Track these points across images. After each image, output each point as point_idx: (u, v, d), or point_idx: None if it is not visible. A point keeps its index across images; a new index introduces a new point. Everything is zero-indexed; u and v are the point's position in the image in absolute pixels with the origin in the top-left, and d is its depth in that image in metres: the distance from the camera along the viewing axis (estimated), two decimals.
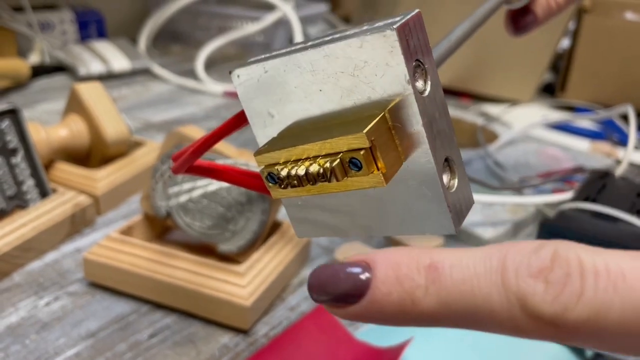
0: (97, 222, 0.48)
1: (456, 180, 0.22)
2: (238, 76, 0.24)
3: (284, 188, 0.21)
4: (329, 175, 0.20)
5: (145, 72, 0.88)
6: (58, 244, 0.45)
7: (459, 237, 0.48)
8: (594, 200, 0.39)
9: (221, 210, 0.40)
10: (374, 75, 0.20)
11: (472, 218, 0.48)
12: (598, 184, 0.42)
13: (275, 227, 0.42)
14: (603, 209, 0.37)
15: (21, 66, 0.76)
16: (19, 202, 0.44)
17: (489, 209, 0.50)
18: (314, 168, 0.20)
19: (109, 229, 0.47)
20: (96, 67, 0.83)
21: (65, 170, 0.50)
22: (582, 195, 0.40)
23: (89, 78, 0.81)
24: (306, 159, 0.21)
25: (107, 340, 0.36)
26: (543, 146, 0.65)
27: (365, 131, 0.19)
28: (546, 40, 0.77)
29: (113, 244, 0.40)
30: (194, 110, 0.75)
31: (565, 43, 0.84)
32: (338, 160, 0.20)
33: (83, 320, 0.37)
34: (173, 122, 0.70)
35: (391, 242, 0.47)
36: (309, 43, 0.22)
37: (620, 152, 0.64)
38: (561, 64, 0.83)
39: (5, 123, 0.43)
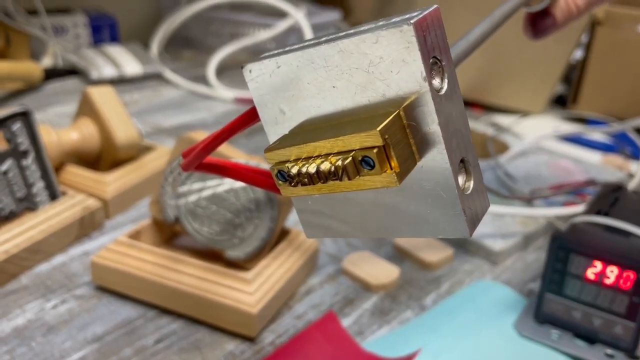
0: (105, 226, 0.48)
1: (472, 182, 0.21)
2: (250, 71, 0.23)
3: (294, 186, 0.21)
4: (340, 174, 0.19)
5: (157, 77, 0.88)
6: (66, 247, 0.45)
7: (468, 249, 0.47)
8: (606, 214, 0.38)
9: (229, 217, 0.40)
10: (390, 72, 0.20)
11: (482, 229, 0.48)
12: (610, 197, 0.41)
13: (283, 234, 0.42)
14: (615, 223, 0.36)
15: (34, 69, 0.77)
16: (28, 205, 0.44)
17: (499, 220, 0.49)
18: (326, 166, 0.19)
19: (117, 233, 0.47)
20: (108, 71, 0.83)
21: (75, 173, 0.50)
22: (594, 209, 0.39)
23: (101, 82, 0.81)
24: (317, 156, 0.20)
25: (112, 345, 0.36)
26: (554, 158, 0.64)
27: (379, 129, 0.18)
28: (559, 52, 0.77)
29: (121, 248, 0.40)
30: (204, 115, 0.75)
31: (577, 55, 0.84)
32: (350, 158, 0.19)
33: (89, 324, 0.37)
34: (183, 127, 0.70)
35: (399, 251, 0.46)
36: (323, 38, 0.21)
37: (632, 166, 0.63)
38: (574, 76, 0.83)
39: (17, 125, 0.43)
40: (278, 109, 0.23)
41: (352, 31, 0.21)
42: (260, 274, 0.38)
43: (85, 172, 0.50)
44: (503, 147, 0.67)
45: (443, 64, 0.20)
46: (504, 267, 0.46)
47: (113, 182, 0.49)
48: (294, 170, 0.20)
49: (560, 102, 0.86)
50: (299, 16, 0.91)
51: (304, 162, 0.20)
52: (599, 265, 0.35)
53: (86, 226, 0.46)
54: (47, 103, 0.75)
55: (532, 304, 0.39)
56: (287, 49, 0.22)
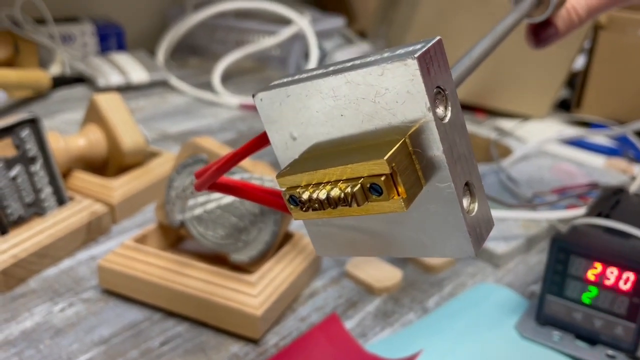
0: (112, 231, 0.49)
1: (476, 204, 0.22)
2: (261, 99, 0.24)
3: (306, 211, 0.22)
4: (350, 200, 0.20)
5: (163, 84, 0.89)
6: (74, 251, 0.45)
7: None
8: (607, 216, 0.38)
9: (234, 221, 0.40)
10: (395, 102, 0.20)
11: None
12: (612, 200, 0.41)
13: (287, 237, 0.43)
14: (616, 225, 0.37)
15: (42, 77, 0.78)
16: (36, 210, 0.45)
17: (502, 223, 0.50)
18: (335, 192, 0.20)
19: (123, 237, 0.48)
20: (115, 79, 0.84)
21: (82, 178, 0.51)
22: (595, 211, 0.39)
23: (108, 89, 0.82)
24: (327, 182, 0.21)
25: (119, 347, 0.36)
26: (557, 162, 0.64)
27: (386, 158, 0.19)
28: (562, 57, 0.77)
29: (127, 252, 0.40)
30: (210, 122, 0.76)
31: (580, 60, 0.84)
32: (359, 185, 0.20)
33: (96, 327, 0.38)
34: (189, 134, 0.71)
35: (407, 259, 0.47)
36: (331, 68, 0.22)
37: (636, 169, 0.63)
38: (577, 81, 0.83)
39: (25, 132, 0.44)
40: (288, 135, 0.24)
41: (358, 62, 0.22)
42: (264, 276, 0.38)
43: (93, 177, 0.51)
44: (506, 151, 0.67)
45: (446, 92, 0.21)
46: (506, 269, 0.46)
47: (119, 187, 0.50)
48: (305, 196, 0.21)
49: (563, 107, 0.86)
50: (303, 23, 0.92)
51: (314, 188, 0.21)
52: (599, 266, 0.35)
53: (93, 231, 0.47)
54: (55, 110, 0.76)
55: (534, 305, 0.40)
56: (295, 77, 0.23)
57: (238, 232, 0.40)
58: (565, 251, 0.36)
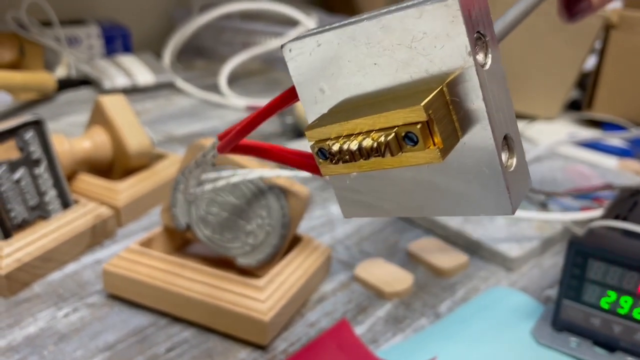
0: (117, 234, 0.48)
1: (515, 160, 0.21)
2: (290, 50, 0.23)
3: (335, 163, 0.21)
4: (383, 150, 0.19)
5: (169, 86, 0.89)
6: (78, 255, 0.45)
7: (483, 256, 0.47)
8: (624, 219, 0.37)
9: (241, 223, 0.40)
10: (433, 47, 0.19)
11: (497, 235, 0.47)
12: (629, 202, 0.40)
13: (295, 241, 0.42)
14: (635, 228, 0.36)
15: (48, 79, 0.78)
16: (41, 213, 0.44)
17: (515, 226, 0.48)
18: (368, 143, 0.19)
19: (129, 241, 0.47)
20: (121, 81, 0.84)
21: (87, 181, 0.50)
22: (612, 214, 0.38)
23: (114, 91, 0.82)
24: (359, 133, 0.20)
25: (124, 353, 0.35)
26: (570, 163, 0.63)
27: (423, 104, 0.18)
28: (573, 57, 0.76)
29: (133, 256, 0.40)
30: (216, 124, 0.75)
31: (591, 60, 0.83)
32: (393, 134, 0.19)
33: (101, 332, 0.37)
34: (195, 136, 0.70)
35: (412, 257, 0.46)
36: (364, 16, 0.21)
37: None
38: (588, 81, 0.82)
39: (29, 134, 0.43)
40: (317, 88, 0.23)
41: (393, 8, 0.20)
42: (272, 281, 0.37)
43: (98, 180, 0.50)
44: None
45: (487, 39, 0.20)
46: (520, 273, 0.45)
47: (125, 190, 0.49)
48: (335, 148, 0.20)
49: (574, 108, 0.85)
50: (309, 24, 0.91)
51: (345, 140, 0.20)
52: (618, 270, 0.34)
53: (98, 234, 0.46)
54: (60, 113, 0.75)
55: (550, 310, 0.39)
56: (327, 27, 0.22)
57: (245, 235, 0.40)
58: (583, 255, 0.35)
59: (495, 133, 0.20)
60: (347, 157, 0.20)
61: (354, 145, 0.20)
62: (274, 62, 1.00)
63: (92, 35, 0.92)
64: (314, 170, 0.23)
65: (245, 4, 0.94)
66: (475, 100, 0.19)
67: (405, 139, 0.19)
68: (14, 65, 0.81)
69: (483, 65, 0.19)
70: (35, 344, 0.36)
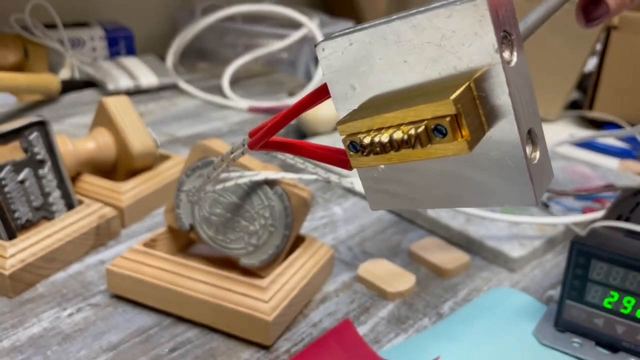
0: (121, 235, 0.48)
1: (538, 153, 0.22)
2: (323, 49, 0.24)
3: (366, 155, 0.22)
4: (413, 142, 0.20)
5: (172, 88, 0.89)
6: (82, 255, 0.45)
7: (485, 256, 0.47)
8: (627, 219, 0.37)
9: (244, 224, 0.40)
10: (461, 45, 0.20)
11: (499, 235, 0.47)
12: (631, 202, 0.40)
13: (298, 241, 0.42)
14: (637, 228, 0.36)
15: (52, 81, 0.78)
16: (45, 214, 0.44)
17: (517, 226, 0.49)
18: (398, 135, 0.20)
19: (133, 242, 0.47)
20: (124, 83, 0.84)
21: (91, 182, 0.50)
22: (614, 214, 0.38)
23: (117, 93, 0.82)
24: (389, 127, 0.21)
25: (127, 354, 0.35)
26: (571, 164, 0.63)
27: (452, 98, 0.19)
28: (573, 59, 0.76)
29: (136, 256, 0.40)
30: (219, 125, 0.75)
31: (592, 62, 0.83)
32: (423, 127, 0.20)
33: (105, 333, 0.37)
34: (198, 137, 0.70)
35: (415, 258, 0.46)
36: (394, 16, 0.22)
37: None
38: (589, 82, 0.82)
39: (34, 135, 0.44)
40: (349, 85, 0.24)
41: (423, 8, 0.22)
42: (275, 281, 0.38)
43: (101, 181, 0.50)
44: None
45: (512, 37, 0.21)
46: (522, 274, 0.45)
47: (129, 191, 0.50)
48: (367, 141, 0.21)
49: (575, 108, 0.85)
50: (312, 26, 0.91)
51: (376, 133, 0.21)
52: (621, 271, 0.34)
53: (102, 235, 0.46)
54: (64, 114, 0.75)
55: (552, 311, 0.39)
56: (358, 27, 0.23)
57: (248, 236, 0.40)
58: (586, 255, 0.35)
59: (521, 127, 0.21)
60: (378, 149, 0.21)
61: (385, 137, 0.21)
62: (277, 64, 1.00)
63: (96, 37, 0.93)
64: (343, 164, 0.24)
65: (247, 6, 0.95)
66: (502, 96, 0.20)
67: (435, 132, 0.20)
68: (18, 67, 0.81)
69: (509, 62, 0.21)
70: (39, 344, 0.36)
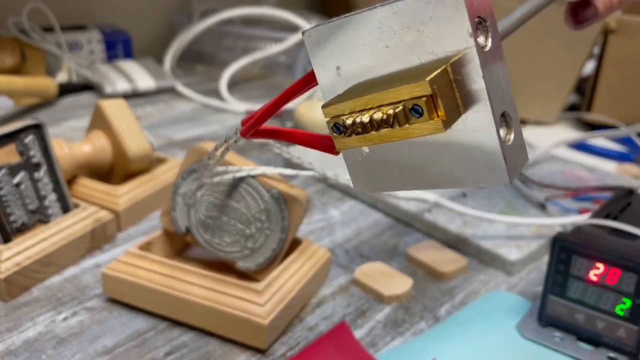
0: (117, 238, 0.48)
1: (512, 135, 0.23)
2: (310, 36, 0.25)
3: (349, 136, 0.23)
4: (392, 122, 0.22)
5: (170, 91, 0.89)
6: (78, 259, 0.45)
7: (482, 260, 0.47)
8: (615, 218, 0.38)
9: (240, 227, 0.40)
10: (439, 30, 0.22)
11: (496, 238, 0.47)
12: (622, 202, 0.40)
13: (294, 245, 0.42)
14: (619, 226, 0.36)
15: (49, 84, 0.78)
16: (40, 217, 0.44)
17: (514, 229, 0.49)
18: (378, 115, 0.22)
19: (129, 245, 0.47)
20: (122, 86, 0.84)
21: (87, 185, 0.50)
22: (602, 213, 0.39)
23: (114, 96, 0.82)
24: (370, 108, 0.22)
25: (123, 357, 0.35)
26: (569, 166, 0.63)
27: (428, 79, 0.20)
28: (571, 62, 0.76)
29: (132, 259, 0.40)
30: (216, 128, 0.75)
31: (590, 65, 0.83)
32: (401, 107, 0.21)
33: (100, 336, 0.37)
34: (196, 140, 0.70)
35: (412, 261, 0.46)
36: (378, 4, 0.23)
37: None
38: (587, 85, 0.82)
39: (29, 138, 0.44)
40: (334, 71, 0.25)
41: None
42: (271, 285, 0.37)
43: (97, 184, 0.50)
44: None
45: (487, 24, 0.22)
46: (519, 277, 0.45)
47: (125, 194, 0.50)
48: (349, 121, 0.23)
49: (573, 112, 0.85)
50: None
51: (357, 114, 0.23)
52: (601, 267, 0.34)
53: (98, 238, 0.46)
54: (61, 117, 0.75)
55: (537, 306, 0.39)
56: (343, 16, 0.24)
57: (244, 239, 0.40)
58: (567, 251, 0.35)
59: (494, 109, 0.22)
60: (360, 129, 0.23)
61: (365, 118, 0.22)
62: (274, 67, 1.00)
63: (93, 40, 0.92)
64: (329, 149, 0.26)
65: (245, 9, 0.95)
66: (477, 79, 0.21)
67: (412, 111, 0.21)
68: (16, 70, 0.81)
69: (484, 47, 0.22)
70: (34, 348, 0.36)
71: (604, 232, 0.36)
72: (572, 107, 0.86)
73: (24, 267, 0.40)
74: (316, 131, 0.68)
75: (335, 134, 0.24)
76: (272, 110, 0.28)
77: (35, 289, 0.41)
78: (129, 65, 0.89)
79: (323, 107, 0.24)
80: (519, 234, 0.48)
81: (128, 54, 0.96)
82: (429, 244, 0.48)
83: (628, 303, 0.34)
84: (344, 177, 0.43)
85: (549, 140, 0.72)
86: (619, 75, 0.76)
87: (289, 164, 0.58)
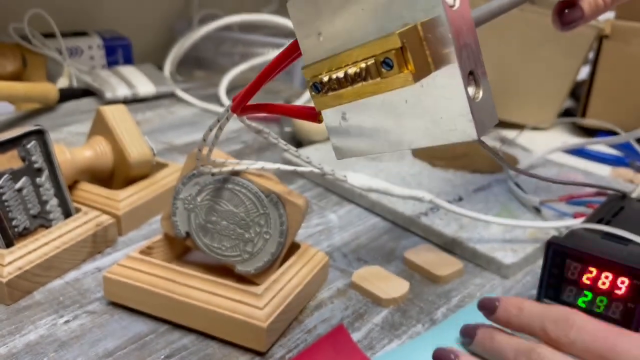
0: (118, 242, 0.49)
1: (481, 93, 0.24)
2: (293, 4, 0.27)
3: (326, 94, 0.25)
4: (364, 75, 0.23)
5: (170, 96, 0.90)
6: (79, 263, 0.45)
7: (478, 263, 0.47)
8: (607, 223, 0.38)
9: (239, 232, 0.40)
10: None
11: (492, 242, 0.48)
12: (615, 206, 0.41)
13: (293, 248, 0.42)
14: (611, 230, 0.36)
15: (50, 90, 0.78)
16: (42, 221, 0.44)
17: (510, 233, 0.49)
18: (352, 70, 0.23)
19: (129, 249, 0.47)
20: (122, 91, 0.85)
21: (88, 190, 0.51)
22: (596, 217, 0.39)
23: (115, 102, 0.83)
24: (346, 66, 0.24)
25: None
26: (564, 171, 0.64)
27: (398, 32, 0.22)
28: (566, 68, 0.77)
29: (133, 263, 0.40)
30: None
31: (585, 70, 0.84)
32: (373, 60, 0.23)
33: (101, 340, 0.37)
34: (195, 145, 0.71)
35: (408, 265, 0.46)
36: None
37: None
38: (581, 90, 0.83)
39: (31, 143, 0.44)
40: (315, 35, 0.27)
41: None
42: (271, 288, 0.38)
43: (99, 189, 0.51)
44: (513, 161, 0.67)
45: None
46: (515, 280, 0.46)
47: (125, 198, 0.50)
48: (325, 79, 0.25)
49: (568, 116, 0.86)
50: None
51: (334, 72, 0.24)
52: (594, 271, 0.35)
53: (99, 242, 0.47)
54: (62, 123, 0.76)
55: None
56: None
57: (243, 243, 0.40)
58: (561, 255, 0.36)
59: (462, 66, 0.23)
60: (335, 85, 0.24)
61: (340, 73, 0.24)
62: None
63: (94, 46, 0.93)
64: (312, 118, 0.28)
65: (244, 15, 0.96)
66: (445, 36, 0.23)
67: (383, 65, 0.22)
68: (17, 76, 0.82)
69: (452, 6, 0.23)
70: (36, 351, 0.36)
71: (597, 236, 0.37)
72: (567, 112, 0.87)
73: (25, 271, 0.41)
74: (316, 139, 0.68)
75: (314, 94, 0.25)
76: (259, 83, 0.29)
77: (37, 293, 0.42)
78: (129, 71, 0.90)
79: (303, 68, 0.25)
80: (515, 237, 0.49)
81: (128, 60, 0.97)
82: (426, 247, 0.48)
83: (620, 307, 0.35)
84: (341, 174, 0.43)
85: (545, 144, 0.72)
86: (614, 80, 0.77)
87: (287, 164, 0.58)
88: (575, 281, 0.36)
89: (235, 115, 0.34)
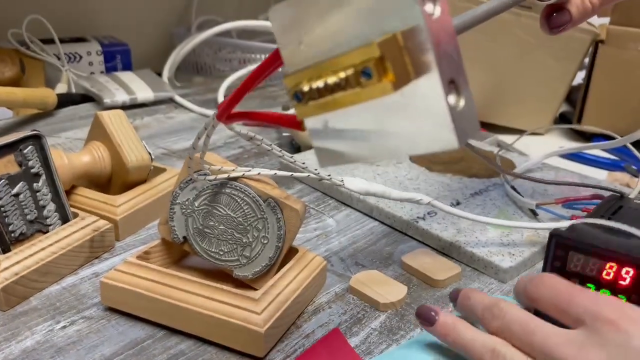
0: (115, 247, 0.49)
1: (462, 102, 0.24)
2: (275, 11, 0.27)
3: (307, 103, 0.25)
4: (344, 85, 0.23)
5: (168, 102, 0.90)
6: (77, 268, 0.45)
7: (476, 267, 0.47)
8: (607, 220, 0.38)
9: (237, 236, 0.40)
10: (391, 2, 0.23)
11: (489, 246, 0.48)
12: (614, 205, 0.41)
13: (291, 253, 0.42)
14: (613, 224, 0.36)
15: (48, 95, 0.78)
16: (39, 227, 0.44)
17: (507, 237, 0.49)
18: (332, 79, 0.24)
19: (127, 254, 0.47)
20: (121, 97, 0.85)
21: (86, 195, 0.51)
22: (596, 215, 0.39)
23: (113, 107, 0.83)
24: (326, 75, 0.24)
25: None
26: (561, 175, 0.64)
27: (377, 42, 0.22)
28: (562, 73, 0.77)
29: (130, 269, 0.40)
30: (214, 138, 0.76)
31: (580, 76, 0.84)
32: (352, 70, 0.23)
33: (98, 345, 0.37)
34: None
35: (406, 269, 0.46)
36: None
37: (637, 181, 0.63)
38: (577, 95, 0.83)
39: (28, 148, 0.44)
40: (297, 42, 0.27)
41: None
42: (268, 293, 0.38)
43: (96, 194, 0.51)
44: (509, 165, 0.67)
45: None
46: (512, 284, 0.46)
47: (123, 204, 0.50)
48: (306, 88, 0.24)
49: (564, 121, 0.86)
50: None
51: (314, 81, 0.24)
52: (598, 262, 0.35)
53: (96, 248, 0.47)
54: (60, 128, 0.76)
55: None
56: None
57: (241, 248, 0.40)
58: (564, 247, 0.36)
59: (442, 74, 0.23)
60: (316, 94, 0.24)
61: (321, 83, 0.24)
62: (270, 78, 1.01)
63: (93, 52, 0.93)
64: (295, 125, 0.27)
65: (242, 22, 0.96)
66: (425, 45, 0.23)
67: (363, 74, 0.22)
68: (15, 82, 0.82)
69: (431, 15, 0.23)
70: (33, 357, 0.36)
71: (598, 230, 0.37)
72: (563, 116, 0.87)
73: (22, 277, 0.41)
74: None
75: (295, 103, 0.25)
76: (242, 92, 0.30)
77: (34, 299, 0.42)
78: (127, 77, 0.90)
79: (284, 77, 0.25)
80: (512, 241, 0.49)
81: (127, 66, 0.97)
82: (423, 251, 0.48)
83: (624, 299, 0.34)
84: (337, 179, 0.43)
85: (541, 149, 0.72)
86: (609, 85, 0.77)
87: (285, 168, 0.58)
88: (578, 273, 0.35)
89: (221, 123, 0.34)
